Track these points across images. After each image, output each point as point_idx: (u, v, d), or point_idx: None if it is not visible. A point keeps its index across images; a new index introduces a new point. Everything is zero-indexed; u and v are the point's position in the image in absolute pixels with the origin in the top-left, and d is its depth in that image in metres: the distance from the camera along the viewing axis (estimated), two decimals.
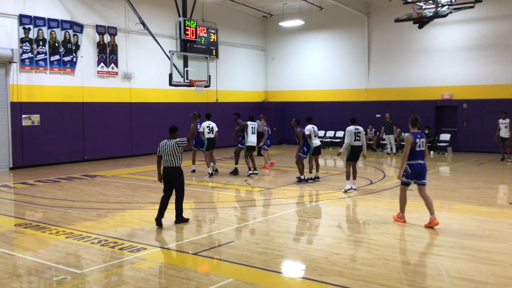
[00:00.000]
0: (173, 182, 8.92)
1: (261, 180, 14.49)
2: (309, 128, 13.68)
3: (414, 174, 8.75)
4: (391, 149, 21.25)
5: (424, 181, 8.81)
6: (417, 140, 8.69)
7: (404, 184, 8.95)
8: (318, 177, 14.07)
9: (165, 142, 9.09)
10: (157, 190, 12.58)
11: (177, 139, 9.07)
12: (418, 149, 8.68)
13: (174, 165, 8.89)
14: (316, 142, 13.91)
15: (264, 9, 25.33)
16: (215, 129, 15.23)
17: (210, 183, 13.95)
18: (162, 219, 8.79)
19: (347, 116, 24.17)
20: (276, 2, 23.81)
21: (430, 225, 8.61)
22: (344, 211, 10.57)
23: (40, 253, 7.28)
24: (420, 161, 8.75)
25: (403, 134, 21.40)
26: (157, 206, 9.39)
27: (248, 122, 15.20)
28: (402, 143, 21.50)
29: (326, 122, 24.44)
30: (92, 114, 18.86)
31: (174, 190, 8.99)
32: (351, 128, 12.27)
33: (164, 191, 9.00)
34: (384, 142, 21.70)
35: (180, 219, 9.02)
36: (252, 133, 15.12)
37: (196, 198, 11.96)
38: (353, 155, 12.25)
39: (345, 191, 12.10)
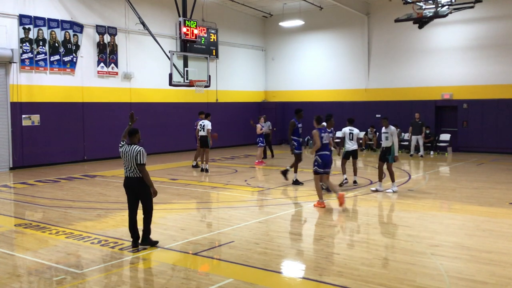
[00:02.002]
0: (137, 194, 7.46)
1: (261, 180, 14.49)
2: (344, 131, 13.43)
3: (324, 164, 10.34)
4: (415, 150, 20.28)
5: (328, 170, 10.52)
6: (322, 134, 10.43)
7: (316, 173, 10.44)
8: (355, 182, 13.16)
9: (125, 147, 7.42)
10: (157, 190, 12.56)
11: (140, 151, 7.29)
12: (324, 141, 10.44)
13: (139, 175, 7.34)
14: (349, 145, 12.96)
15: (264, 9, 25.33)
16: (207, 127, 15.49)
17: (211, 183, 13.94)
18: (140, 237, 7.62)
19: (347, 116, 24.16)
20: (276, 2, 23.81)
21: (341, 201, 10.12)
22: (344, 211, 10.56)
23: (40, 253, 7.27)
24: (326, 152, 10.46)
25: (403, 134, 21.37)
26: (157, 206, 9.36)
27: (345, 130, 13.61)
28: (403, 142, 21.53)
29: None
30: (92, 114, 18.86)
31: (140, 205, 7.57)
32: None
33: (129, 207, 7.54)
34: (405, 143, 21.26)
35: (146, 241, 7.51)
36: (350, 139, 13.24)
37: (196, 198, 11.96)
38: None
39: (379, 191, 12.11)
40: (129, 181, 7.41)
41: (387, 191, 12.00)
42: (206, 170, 15.65)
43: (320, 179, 10.49)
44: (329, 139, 10.70)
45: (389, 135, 11.94)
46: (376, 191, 12.12)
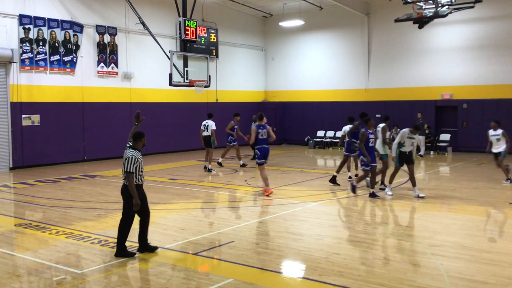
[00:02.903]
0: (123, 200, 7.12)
1: (261, 180, 14.48)
2: (344, 129, 14.11)
3: (263, 155, 11.86)
4: (419, 150, 20.02)
5: (265, 161, 11.99)
6: (259, 130, 11.80)
7: (260, 164, 11.88)
8: (350, 177, 13.52)
9: (126, 150, 7.09)
10: (157, 190, 12.58)
11: (129, 157, 6.88)
12: (260, 137, 11.81)
13: (124, 182, 7.03)
14: (405, 147, 11.62)
15: (264, 9, 25.33)
16: (211, 127, 15.84)
17: (211, 183, 13.94)
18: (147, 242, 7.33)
19: (347, 116, 24.17)
20: (276, 2, 23.81)
21: (266, 194, 11.49)
22: (344, 211, 10.57)
23: (40, 253, 7.27)
24: (264, 146, 11.89)
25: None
26: (157, 206, 9.44)
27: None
28: None
29: (326, 122, 24.45)
30: (92, 114, 18.86)
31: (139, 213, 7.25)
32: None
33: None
34: None
35: (119, 252, 7.08)
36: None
37: (196, 198, 11.95)
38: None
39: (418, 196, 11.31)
40: (122, 187, 7.11)
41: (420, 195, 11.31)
42: (210, 170, 15.74)
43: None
44: (266, 135, 11.82)
45: (415, 140, 11.61)
46: (419, 196, 11.28)
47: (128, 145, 7.07)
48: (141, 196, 7.06)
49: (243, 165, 16.85)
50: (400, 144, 11.45)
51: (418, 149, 20.34)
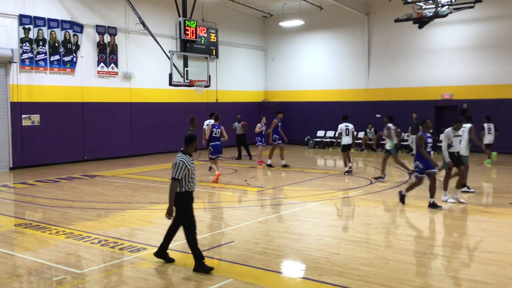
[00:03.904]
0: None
1: (261, 180, 14.49)
2: (340, 127, 15.03)
3: (216, 151, 14.01)
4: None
5: (220, 155, 14.18)
6: (214, 129, 14.03)
7: (212, 159, 14.10)
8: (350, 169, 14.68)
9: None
10: (157, 190, 12.59)
11: (176, 162, 6.48)
12: (214, 135, 14.04)
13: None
14: (346, 140, 14.51)
15: (264, 9, 25.33)
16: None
17: (211, 183, 13.93)
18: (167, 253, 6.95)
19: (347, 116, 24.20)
20: (276, 2, 23.81)
21: (215, 179, 13.45)
22: (344, 211, 10.57)
23: (40, 253, 7.27)
24: (217, 142, 14.04)
25: (403, 134, 21.41)
26: (157, 206, 9.41)
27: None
28: (403, 142, 21.56)
29: (326, 122, 24.44)
30: (92, 114, 18.86)
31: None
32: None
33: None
34: (406, 143, 21.21)
35: (197, 267, 6.45)
36: (347, 134, 15.01)
37: (196, 198, 11.93)
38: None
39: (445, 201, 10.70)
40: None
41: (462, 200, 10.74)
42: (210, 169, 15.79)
43: (215, 162, 14.14)
44: (219, 134, 14.03)
45: (463, 139, 10.98)
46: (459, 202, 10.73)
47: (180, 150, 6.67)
48: (190, 203, 6.61)
49: (285, 166, 16.69)
50: (449, 145, 10.65)
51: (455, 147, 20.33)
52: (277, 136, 16.67)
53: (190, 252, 6.48)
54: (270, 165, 16.70)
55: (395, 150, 13.78)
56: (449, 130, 10.72)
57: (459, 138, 10.77)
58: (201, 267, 6.36)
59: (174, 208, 6.57)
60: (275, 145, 16.84)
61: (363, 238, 8.17)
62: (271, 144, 16.96)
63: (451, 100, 21.42)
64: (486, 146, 16.72)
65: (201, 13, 22.13)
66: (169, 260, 6.76)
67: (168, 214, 6.54)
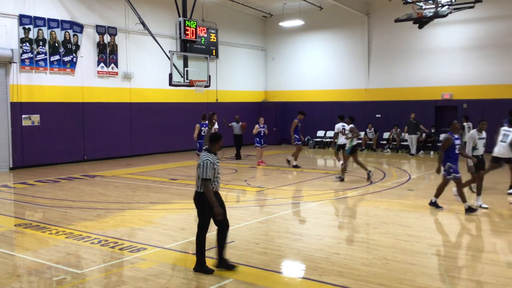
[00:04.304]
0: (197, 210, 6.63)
1: (261, 180, 14.49)
2: (337, 127, 14.85)
3: (202, 148, 14.27)
4: (413, 149, 20.52)
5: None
6: (202, 128, 14.88)
7: (198, 155, 13.79)
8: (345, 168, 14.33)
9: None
10: (157, 190, 12.59)
11: (204, 162, 6.28)
12: (203, 133, 14.58)
13: (200, 190, 6.43)
14: (342, 139, 14.26)
15: (264, 9, 25.33)
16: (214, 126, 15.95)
17: None
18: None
19: (347, 116, 24.15)
20: (276, 2, 23.80)
21: None
22: (344, 211, 10.57)
23: (40, 253, 7.27)
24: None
25: (403, 134, 21.44)
26: (157, 206, 9.42)
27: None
28: (403, 142, 21.60)
29: (326, 122, 24.43)
30: (92, 114, 18.86)
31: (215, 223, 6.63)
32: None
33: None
34: (406, 143, 21.25)
35: (197, 267, 6.44)
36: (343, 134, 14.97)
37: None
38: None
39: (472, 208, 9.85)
40: (194, 195, 6.52)
41: (483, 205, 10.20)
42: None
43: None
44: (206, 132, 13.61)
45: (485, 139, 10.40)
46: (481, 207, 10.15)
47: (204, 147, 6.54)
48: (219, 204, 6.37)
49: (296, 166, 16.63)
50: (473, 148, 10.25)
51: (418, 149, 20.53)
52: (297, 137, 16.72)
53: (195, 252, 6.46)
54: (296, 166, 16.58)
55: (349, 150, 13.98)
56: (474, 132, 10.22)
57: (483, 141, 10.28)
58: (203, 268, 6.34)
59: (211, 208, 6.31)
60: (299, 145, 16.74)
61: (363, 238, 8.17)
62: (292, 145, 17.01)
63: (451, 100, 21.42)
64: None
65: (201, 13, 22.12)
66: (231, 267, 6.43)
67: (218, 214, 6.27)
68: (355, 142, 14.01)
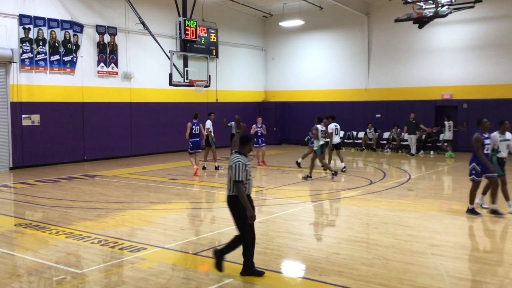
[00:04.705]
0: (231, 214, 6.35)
1: (261, 180, 14.49)
2: (330, 127, 15.21)
3: (194, 146, 15.07)
4: (414, 149, 20.50)
5: (198, 151, 15.16)
6: (193, 126, 15.12)
7: (190, 154, 15.19)
8: (344, 168, 15.22)
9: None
10: (157, 190, 12.59)
11: (236, 164, 6.07)
12: (194, 132, 15.12)
13: (232, 193, 6.20)
14: (336, 139, 15.27)
15: (264, 9, 25.33)
16: (206, 126, 16.13)
17: (211, 183, 13.94)
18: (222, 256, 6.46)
19: (347, 116, 24.28)
20: (276, 2, 23.81)
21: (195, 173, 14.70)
22: (344, 211, 10.56)
23: (40, 253, 7.27)
24: (196, 139, 15.17)
25: (403, 134, 21.44)
26: (157, 206, 9.38)
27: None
28: (403, 142, 21.60)
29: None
30: (92, 114, 18.86)
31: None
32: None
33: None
34: (406, 143, 21.28)
35: (245, 271, 6.27)
36: (336, 134, 15.69)
37: (196, 198, 11.96)
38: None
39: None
40: (227, 199, 6.26)
41: (484, 206, 10.08)
42: (217, 168, 16.21)
43: (195, 157, 15.14)
44: (198, 130, 15.21)
45: (510, 141, 9.84)
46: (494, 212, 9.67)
47: (234, 150, 6.32)
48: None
49: (298, 164, 16.76)
50: (495, 150, 9.74)
51: (419, 149, 20.56)
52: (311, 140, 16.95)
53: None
54: (298, 164, 16.73)
55: (319, 150, 14.06)
56: (495, 134, 9.72)
57: (506, 143, 9.76)
58: (252, 271, 6.23)
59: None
60: (330, 150, 16.23)
61: (363, 238, 8.17)
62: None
63: (451, 100, 21.42)
64: (446, 142, 19.88)
65: (201, 13, 22.12)
66: (260, 274, 6.23)
67: (251, 218, 6.11)
68: (322, 141, 14.13)
